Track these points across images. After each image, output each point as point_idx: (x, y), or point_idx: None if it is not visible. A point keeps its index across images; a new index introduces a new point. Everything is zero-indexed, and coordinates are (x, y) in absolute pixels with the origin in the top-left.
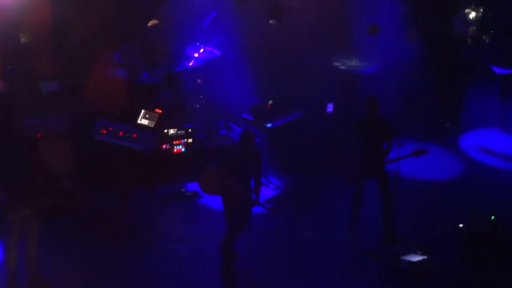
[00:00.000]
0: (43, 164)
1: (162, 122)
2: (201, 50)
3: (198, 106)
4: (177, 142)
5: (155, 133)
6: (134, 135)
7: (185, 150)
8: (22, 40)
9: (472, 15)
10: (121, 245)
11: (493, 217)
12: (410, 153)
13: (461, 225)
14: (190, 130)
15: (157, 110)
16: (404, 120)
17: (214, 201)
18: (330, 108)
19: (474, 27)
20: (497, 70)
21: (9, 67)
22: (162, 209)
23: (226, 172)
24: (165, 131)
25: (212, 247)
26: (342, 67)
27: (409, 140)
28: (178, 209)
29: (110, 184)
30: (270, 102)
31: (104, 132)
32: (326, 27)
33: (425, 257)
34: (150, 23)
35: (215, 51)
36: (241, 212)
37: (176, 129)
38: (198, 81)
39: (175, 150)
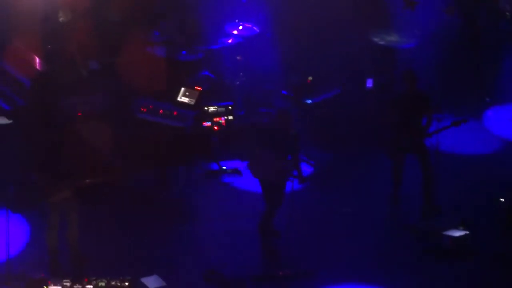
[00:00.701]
0: (83, 143)
1: (202, 100)
2: (240, 27)
3: (238, 83)
4: (218, 119)
5: (195, 111)
6: (175, 113)
7: (225, 127)
8: (61, 19)
9: None
10: (160, 223)
11: None
12: (450, 124)
13: (502, 200)
14: (230, 107)
15: (197, 88)
16: (443, 95)
17: (254, 179)
18: (369, 83)
19: None
20: None
21: (49, 46)
22: (203, 186)
23: (265, 150)
24: (205, 108)
25: (252, 225)
26: (381, 42)
27: (448, 115)
28: (219, 187)
29: (151, 161)
30: (310, 78)
31: (145, 110)
32: (365, 2)
33: (467, 232)
34: None
35: (254, 28)
36: (279, 188)
37: (216, 107)
38: (238, 58)
39: (215, 128)
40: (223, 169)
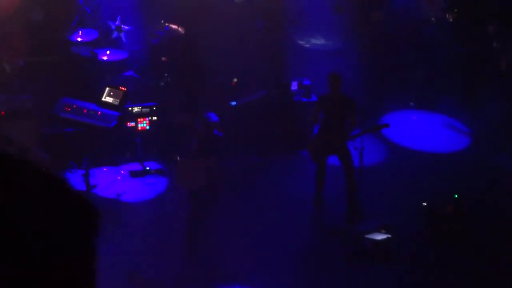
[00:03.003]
0: (6, 140)
1: (126, 100)
2: (166, 28)
3: (162, 84)
4: (142, 119)
5: (119, 111)
6: (99, 113)
7: (149, 127)
8: None
9: None
10: None
11: (456, 196)
12: (371, 128)
13: (424, 204)
14: (154, 107)
15: (122, 88)
16: (366, 98)
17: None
18: (294, 86)
19: (438, 7)
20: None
21: None
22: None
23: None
24: (130, 108)
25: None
26: (307, 45)
27: (373, 117)
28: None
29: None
30: (235, 80)
31: (69, 109)
32: (291, 5)
33: (389, 235)
34: None
35: (180, 29)
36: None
37: (140, 107)
38: (163, 58)
39: (139, 128)
40: (147, 169)
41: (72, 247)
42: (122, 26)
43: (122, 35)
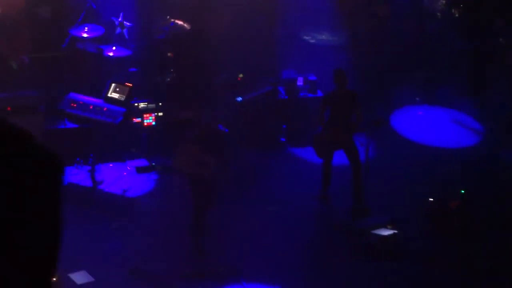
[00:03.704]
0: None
1: (132, 96)
2: (171, 24)
3: (168, 79)
4: (148, 115)
5: (125, 107)
6: (105, 109)
7: (155, 123)
8: None
9: None
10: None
11: (463, 192)
12: (370, 123)
13: (430, 199)
14: (160, 103)
15: (128, 84)
16: (372, 94)
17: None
18: (300, 81)
19: (443, 1)
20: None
21: None
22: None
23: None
24: (136, 104)
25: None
26: (312, 41)
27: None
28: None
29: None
30: (241, 75)
31: (75, 105)
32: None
33: (395, 231)
34: None
35: (185, 25)
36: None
37: (146, 103)
38: (169, 54)
39: (145, 124)
40: (153, 165)
41: (37, 195)
42: (125, 22)
43: (124, 31)
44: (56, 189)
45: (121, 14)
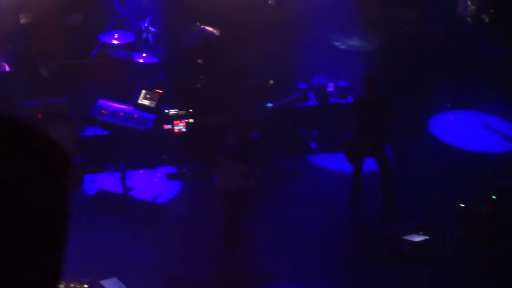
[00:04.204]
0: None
1: (163, 102)
2: (201, 30)
3: (198, 86)
4: (178, 122)
5: (156, 113)
6: (135, 115)
7: (186, 130)
8: (22, 21)
9: None
10: (128, 225)
11: (494, 197)
12: (404, 128)
13: (462, 205)
14: (191, 110)
15: (158, 90)
16: (402, 99)
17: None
18: (330, 87)
19: (474, 7)
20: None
21: (10, 48)
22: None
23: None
24: (166, 111)
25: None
26: (343, 47)
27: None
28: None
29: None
30: (271, 81)
31: (105, 112)
32: (325, 5)
33: (426, 237)
34: None
35: (215, 31)
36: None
37: (177, 110)
38: (199, 61)
39: (176, 130)
40: (184, 172)
41: (44, 189)
42: (150, 28)
43: (150, 37)
44: (58, 189)
45: (147, 20)
